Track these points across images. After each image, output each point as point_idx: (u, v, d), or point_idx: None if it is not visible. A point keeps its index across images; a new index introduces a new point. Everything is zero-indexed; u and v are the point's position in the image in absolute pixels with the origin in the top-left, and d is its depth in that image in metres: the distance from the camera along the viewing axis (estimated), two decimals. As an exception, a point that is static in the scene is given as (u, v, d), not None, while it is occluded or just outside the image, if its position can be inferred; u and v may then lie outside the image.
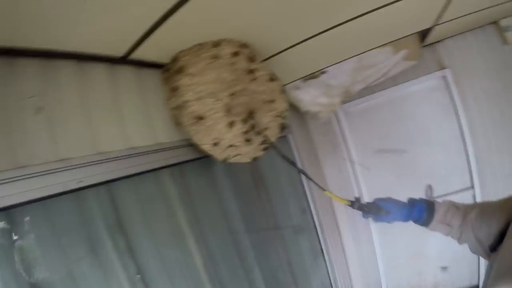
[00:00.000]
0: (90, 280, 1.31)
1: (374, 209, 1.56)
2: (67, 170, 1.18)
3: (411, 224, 1.56)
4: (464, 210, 1.38)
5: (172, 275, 1.65)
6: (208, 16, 1.35)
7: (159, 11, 1.17)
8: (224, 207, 2.19)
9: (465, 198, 3.22)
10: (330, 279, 3.18)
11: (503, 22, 3.00)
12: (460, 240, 1.40)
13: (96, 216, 1.39)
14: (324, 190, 1.72)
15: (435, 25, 2.53)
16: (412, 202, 1.53)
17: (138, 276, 1.47)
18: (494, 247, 1.19)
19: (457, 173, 3.32)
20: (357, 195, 3.24)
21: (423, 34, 2.79)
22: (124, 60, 1.48)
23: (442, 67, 3.23)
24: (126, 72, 1.55)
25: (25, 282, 1.13)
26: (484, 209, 1.32)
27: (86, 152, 1.27)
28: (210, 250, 1.91)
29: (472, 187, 3.27)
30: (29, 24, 1.00)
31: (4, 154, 1.04)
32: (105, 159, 1.31)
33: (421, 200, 1.52)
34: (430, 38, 2.95)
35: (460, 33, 3.15)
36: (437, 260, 3.57)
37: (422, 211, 1.47)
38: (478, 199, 3.18)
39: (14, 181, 1.03)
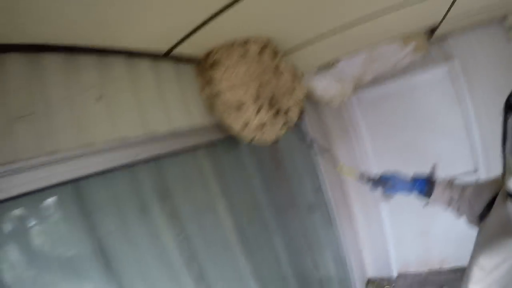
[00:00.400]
0: (142, 238, 1.53)
1: (380, 182, 1.72)
2: (125, 147, 1.39)
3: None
4: (462, 186, 1.53)
5: (208, 236, 1.87)
6: (240, 20, 1.53)
7: (201, 17, 1.35)
8: (249, 181, 2.39)
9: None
10: (342, 251, 3.35)
11: (510, 21, 3.01)
12: (458, 212, 1.54)
13: (147, 186, 1.60)
14: (336, 165, 1.89)
15: (442, 21, 2.61)
16: (415, 176, 1.68)
17: (182, 235, 1.68)
18: (482, 217, 1.33)
19: (461, 158, 3.43)
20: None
21: (432, 28, 2.87)
22: (165, 56, 1.68)
23: (449, 59, 3.30)
24: (166, 66, 1.73)
25: (93, 235, 1.35)
26: (478, 185, 1.47)
27: (139, 132, 1.47)
28: (238, 217, 2.11)
29: (476, 171, 3.39)
30: (92, 25, 1.18)
31: (73, 135, 1.24)
32: (154, 138, 1.52)
33: (423, 175, 1.66)
34: (439, 32, 3.01)
35: (468, 28, 3.18)
36: (444, 238, 3.66)
37: (423, 184, 1.61)
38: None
39: (83, 156, 1.24)
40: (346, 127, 3.82)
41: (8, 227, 1.19)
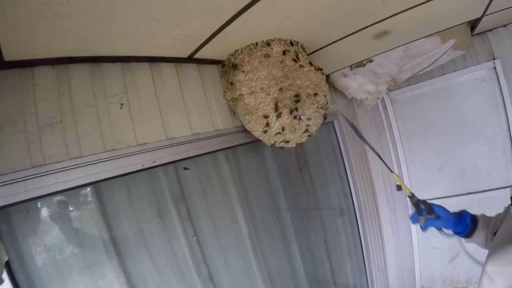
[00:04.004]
0: (156, 238, 1.72)
1: (428, 209, 1.69)
2: (144, 152, 1.56)
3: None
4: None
5: (221, 240, 2.03)
6: (261, 21, 1.62)
7: (219, 21, 1.47)
8: (270, 185, 2.51)
9: (506, 196, 2.99)
10: (364, 261, 3.42)
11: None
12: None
13: (164, 188, 1.79)
14: (392, 172, 1.86)
15: (484, 15, 2.56)
16: (460, 214, 1.68)
17: (195, 237, 1.87)
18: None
19: (501, 169, 3.26)
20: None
21: (473, 23, 2.79)
22: (188, 59, 1.82)
23: (492, 57, 3.17)
24: (190, 69, 1.89)
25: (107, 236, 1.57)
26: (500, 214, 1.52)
27: (159, 138, 1.64)
28: (254, 222, 2.26)
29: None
30: (113, 39, 1.35)
31: (97, 141, 1.44)
32: (173, 144, 1.68)
33: (468, 214, 1.67)
34: (480, 27, 2.94)
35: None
36: (473, 258, 3.54)
37: (467, 225, 1.63)
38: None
39: (104, 161, 1.43)
40: (380, 128, 3.81)
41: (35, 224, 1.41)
